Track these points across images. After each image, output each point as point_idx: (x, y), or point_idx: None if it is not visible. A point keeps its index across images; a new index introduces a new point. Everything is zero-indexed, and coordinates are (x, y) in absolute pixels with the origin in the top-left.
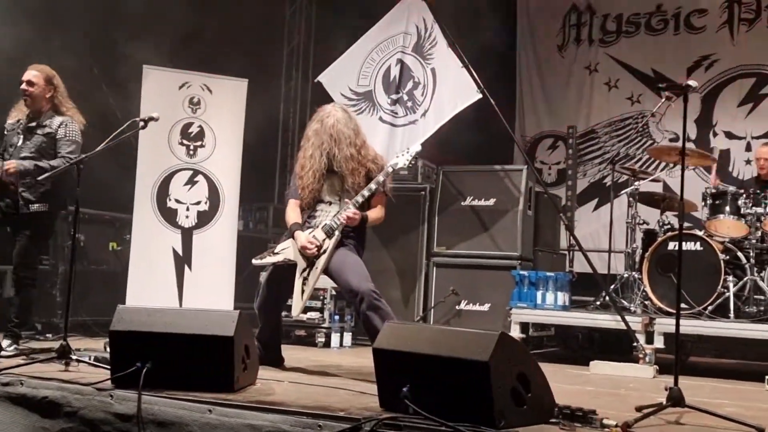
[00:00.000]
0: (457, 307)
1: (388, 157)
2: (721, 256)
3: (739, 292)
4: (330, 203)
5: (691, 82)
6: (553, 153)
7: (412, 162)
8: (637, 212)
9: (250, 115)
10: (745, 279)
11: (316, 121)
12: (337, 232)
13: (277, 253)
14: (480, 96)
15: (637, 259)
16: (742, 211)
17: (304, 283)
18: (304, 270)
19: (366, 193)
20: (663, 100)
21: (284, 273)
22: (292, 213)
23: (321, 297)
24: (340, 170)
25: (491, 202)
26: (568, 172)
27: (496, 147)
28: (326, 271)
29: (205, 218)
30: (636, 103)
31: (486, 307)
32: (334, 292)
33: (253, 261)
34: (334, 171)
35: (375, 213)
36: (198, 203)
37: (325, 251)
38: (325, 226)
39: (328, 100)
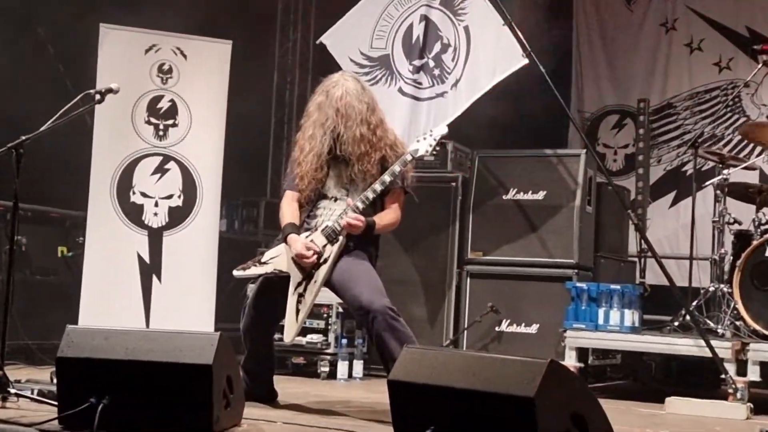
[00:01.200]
0: (496, 328)
1: (410, 141)
2: None
3: None
4: (335, 199)
5: None
6: (620, 133)
7: (436, 149)
8: (726, 209)
9: (236, 87)
10: None
11: (320, 93)
12: (341, 237)
13: (265, 263)
14: (526, 61)
15: (727, 268)
16: None
17: (299, 301)
18: (299, 284)
19: (375, 190)
20: (760, 65)
21: (277, 286)
22: (287, 210)
23: (325, 315)
24: (347, 155)
25: (540, 195)
26: (639, 158)
27: (547, 126)
28: (329, 283)
29: (178, 216)
30: (725, 69)
31: (533, 328)
32: (341, 310)
33: (235, 272)
34: (341, 157)
35: (387, 217)
36: (169, 197)
37: (326, 260)
38: (327, 229)
39: (335, 68)
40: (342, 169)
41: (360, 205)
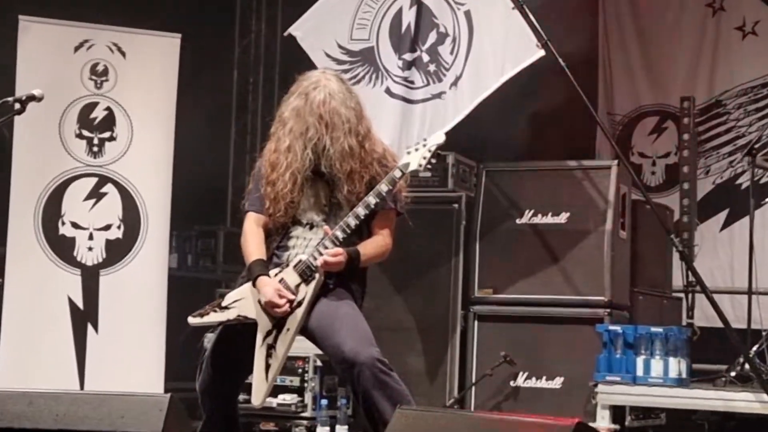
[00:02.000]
0: (512, 383)
1: (400, 152)
2: None
3: None
4: (311, 226)
5: None
6: (659, 140)
7: (432, 162)
8: None
9: (186, 91)
10: None
11: (297, 95)
12: (317, 275)
13: (226, 307)
14: (542, 53)
15: None
16: None
17: (269, 354)
18: (269, 332)
19: (358, 215)
20: None
21: (241, 336)
22: (252, 241)
23: (300, 370)
24: (331, 173)
25: (562, 218)
26: (684, 170)
27: (570, 133)
28: (304, 331)
29: (118, 251)
30: None
31: (557, 382)
32: (319, 362)
33: (190, 320)
34: (321, 174)
35: (373, 245)
36: (107, 228)
37: (300, 303)
38: (300, 265)
39: (308, 65)
40: (321, 188)
41: (340, 236)
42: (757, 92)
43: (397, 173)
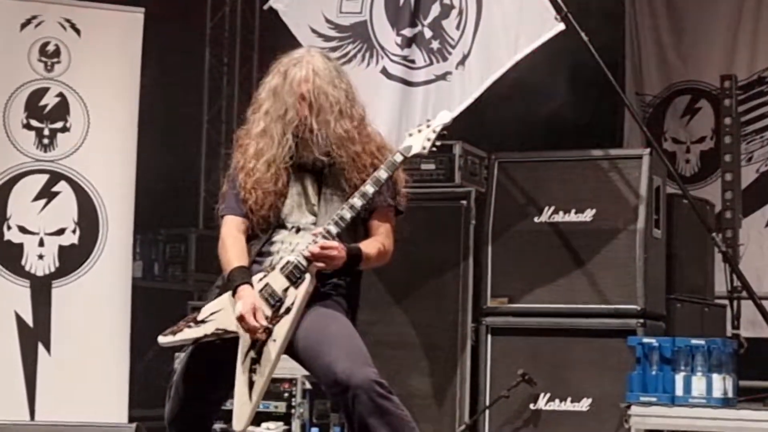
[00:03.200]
0: (531, 405)
1: (401, 141)
2: None
3: None
4: (297, 229)
5: None
6: (693, 122)
7: (436, 144)
8: None
9: (151, 74)
10: None
11: (274, 73)
12: (308, 276)
13: (203, 321)
14: (562, 26)
15: None
16: None
17: (252, 370)
18: (253, 345)
19: (353, 206)
20: None
21: (219, 353)
22: (233, 246)
23: (286, 394)
24: (334, 162)
25: (587, 216)
26: (726, 158)
27: (593, 117)
28: (290, 348)
29: (73, 259)
30: None
31: (584, 404)
32: (309, 385)
33: (161, 339)
34: (308, 168)
35: (375, 244)
36: (60, 233)
37: (288, 310)
38: (288, 266)
39: (292, 43)
40: (308, 184)
41: (334, 230)
42: None
43: (398, 158)
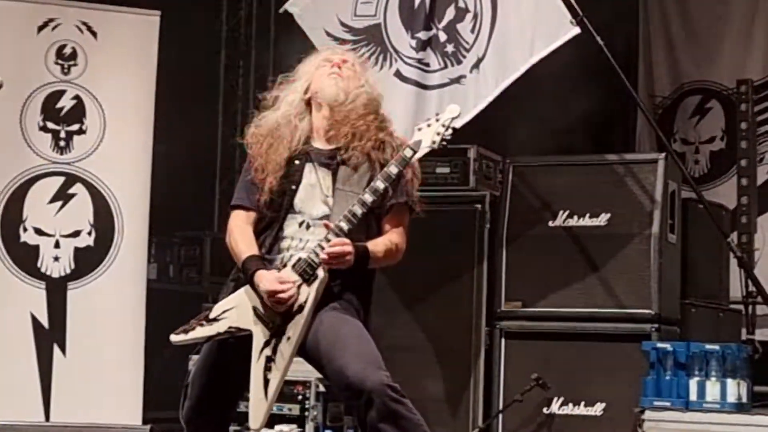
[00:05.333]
0: (545, 410)
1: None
2: None
3: None
4: (308, 225)
5: None
6: (703, 122)
7: (446, 139)
8: None
9: (167, 76)
10: None
11: (304, 61)
12: (321, 273)
13: (215, 319)
14: (577, 30)
15: None
16: None
17: (267, 368)
18: (267, 342)
19: (364, 202)
20: None
21: (233, 353)
22: (242, 237)
23: (299, 397)
24: (349, 156)
25: (602, 220)
26: (742, 163)
27: (607, 120)
28: (304, 349)
29: (88, 261)
30: None
31: (598, 408)
32: (322, 387)
33: (173, 337)
34: (323, 158)
35: (384, 244)
36: (76, 234)
37: (302, 307)
38: (300, 263)
39: (306, 46)
40: (323, 176)
41: (345, 227)
42: None
43: (408, 152)
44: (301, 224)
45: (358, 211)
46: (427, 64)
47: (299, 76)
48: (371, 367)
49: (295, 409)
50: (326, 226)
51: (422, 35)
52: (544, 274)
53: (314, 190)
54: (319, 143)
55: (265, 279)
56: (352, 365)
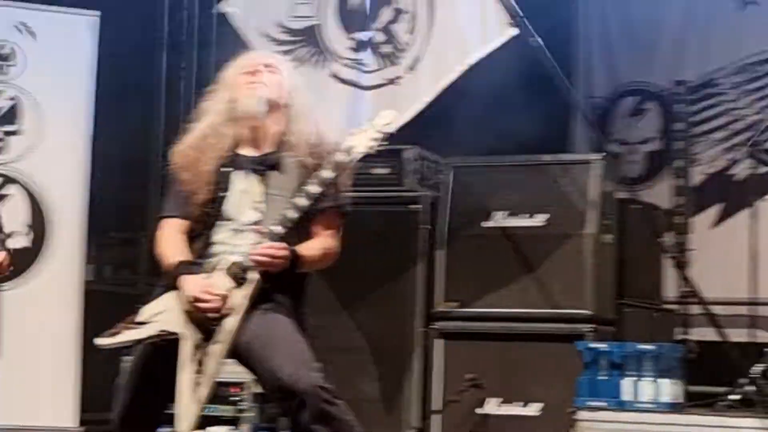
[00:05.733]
0: (482, 410)
1: None
2: None
3: None
4: (238, 231)
5: None
6: (639, 124)
7: (378, 144)
8: None
9: (107, 77)
10: None
11: (227, 67)
12: (252, 277)
13: (143, 323)
14: (515, 31)
15: None
16: None
17: (198, 371)
18: (197, 346)
19: (298, 206)
20: None
21: (163, 356)
22: (169, 244)
23: (234, 397)
24: (280, 161)
25: (540, 220)
26: (677, 164)
27: (546, 121)
28: (234, 350)
29: (23, 262)
30: None
31: (534, 408)
32: (257, 389)
33: (99, 341)
34: (253, 164)
35: (316, 247)
36: (9, 236)
37: (232, 310)
38: (232, 267)
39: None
40: (254, 182)
41: (279, 231)
42: (756, 70)
43: (341, 157)
44: (231, 231)
45: (292, 215)
46: (364, 65)
47: (221, 84)
48: (304, 369)
49: (230, 411)
50: (259, 231)
51: (359, 36)
52: (481, 274)
53: (244, 197)
54: (248, 150)
55: (190, 284)
56: (285, 367)
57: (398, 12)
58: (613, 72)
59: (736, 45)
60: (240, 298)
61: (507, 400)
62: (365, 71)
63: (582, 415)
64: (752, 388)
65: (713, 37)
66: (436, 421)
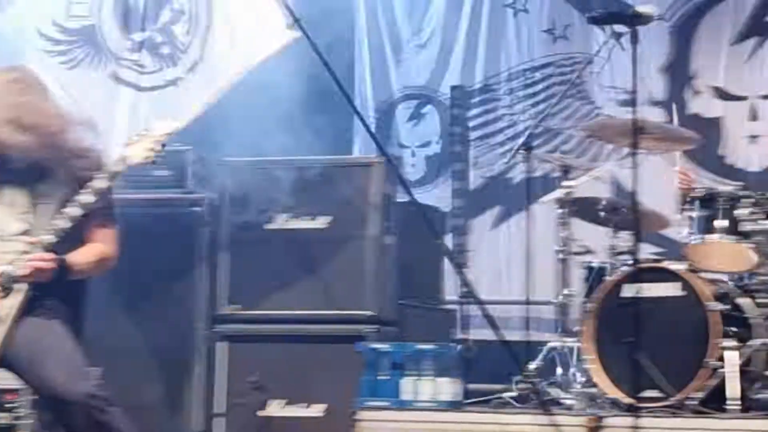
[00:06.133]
0: (264, 412)
1: None
2: (712, 307)
3: (746, 368)
4: (5, 239)
5: (645, 8)
6: (418, 127)
7: (158, 153)
8: (572, 233)
9: None
10: (751, 344)
11: None
12: (21, 286)
13: None
14: (295, 34)
15: (575, 315)
16: (745, 228)
17: None
18: None
19: (71, 216)
20: (609, 36)
21: None
22: None
23: (10, 405)
24: (47, 171)
25: (321, 222)
26: (455, 167)
27: (326, 123)
28: (6, 360)
29: None
30: (561, 39)
31: (318, 409)
32: (33, 395)
33: None
34: (19, 173)
35: (90, 253)
36: None
37: (0, 320)
38: (2, 276)
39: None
40: (21, 192)
41: (50, 240)
42: (529, 76)
43: (117, 167)
44: None
45: (64, 224)
46: (143, 66)
47: None
48: (76, 377)
49: (6, 418)
50: (31, 242)
51: (138, 36)
52: (264, 276)
53: (8, 209)
54: (10, 161)
55: None
56: (58, 375)
57: (177, 13)
58: (393, 76)
59: (511, 51)
60: (7, 308)
61: (290, 402)
62: (144, 72)
63: (363, 415)
64: (527, 385)
65: (489, 42)
66: (219, 424)
